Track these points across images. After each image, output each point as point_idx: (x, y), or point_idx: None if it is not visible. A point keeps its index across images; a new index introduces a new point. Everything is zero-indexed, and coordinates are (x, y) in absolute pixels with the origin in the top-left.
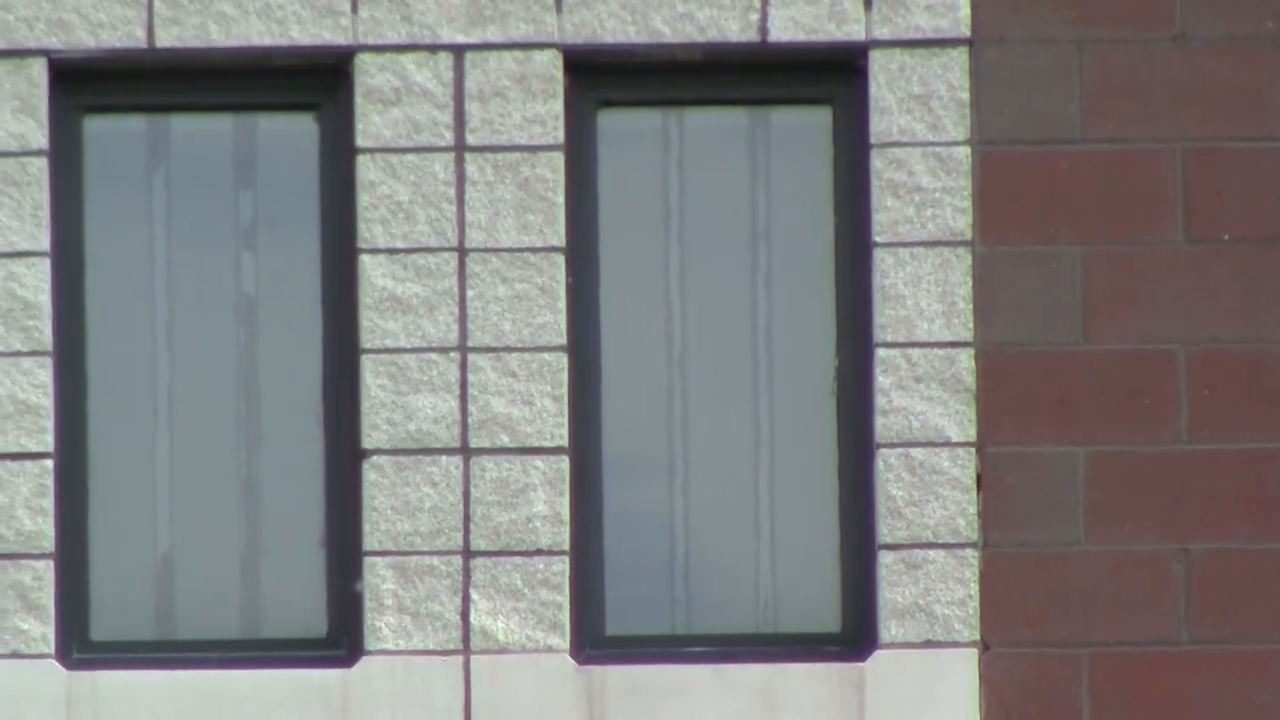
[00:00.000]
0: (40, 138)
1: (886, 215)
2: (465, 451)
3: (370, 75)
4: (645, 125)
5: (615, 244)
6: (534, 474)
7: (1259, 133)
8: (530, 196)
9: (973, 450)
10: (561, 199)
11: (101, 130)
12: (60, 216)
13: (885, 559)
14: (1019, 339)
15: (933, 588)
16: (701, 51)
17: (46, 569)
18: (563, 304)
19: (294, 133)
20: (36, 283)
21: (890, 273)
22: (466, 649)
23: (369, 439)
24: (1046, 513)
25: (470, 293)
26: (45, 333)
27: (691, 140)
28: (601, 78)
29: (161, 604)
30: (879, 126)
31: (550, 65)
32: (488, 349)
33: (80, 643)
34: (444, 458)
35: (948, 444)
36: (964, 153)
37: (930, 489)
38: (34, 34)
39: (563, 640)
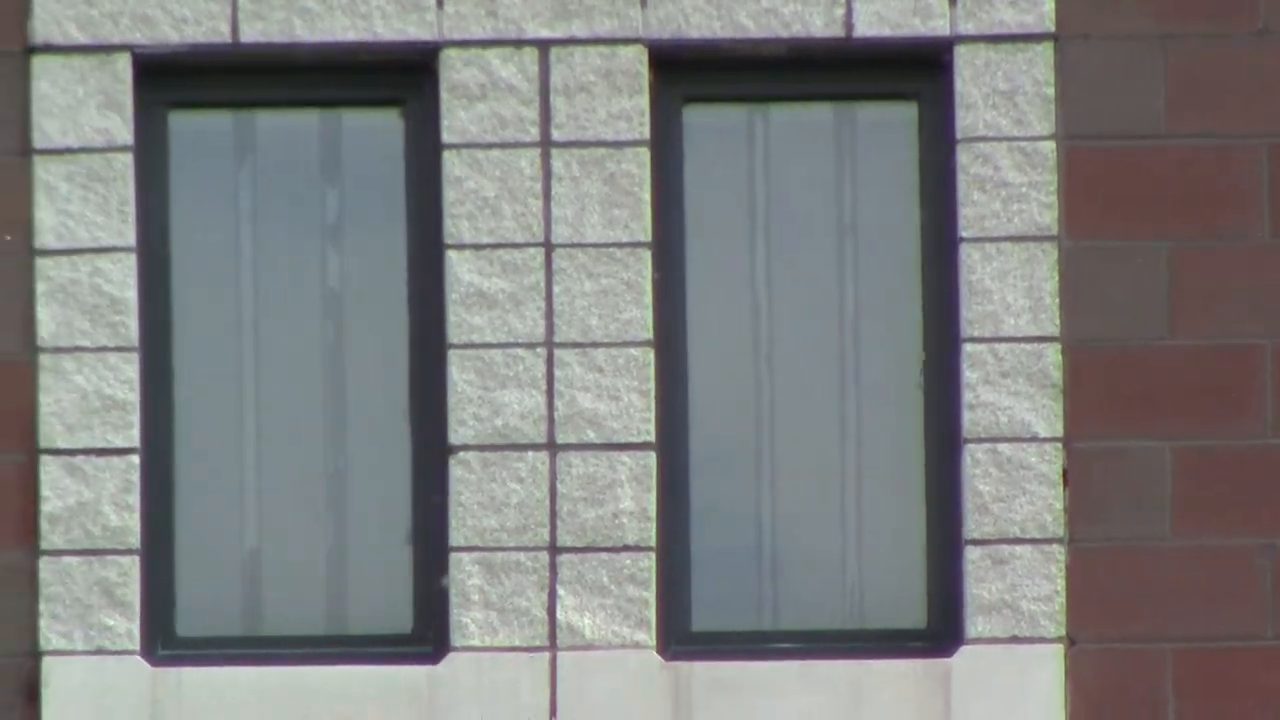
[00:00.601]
0: (125, 133)
1: (973, 210)
2: (552, 447)
3: (456, 71)
4: (730, 121)
5: (701, 239)
6: (621, 470)
7: None
8: (616, 192)
9: (1059, 445)
10: (647, 194)
11: (186, 126)
12: (145, 212)
13: (972, 554)
14: (1105, 334)
15: (1019, 583)
16: (786, 47)
17: (132, 565)
18: (649, 299)
19: (379, 129)
20: (122, 278)
21: (977, 268)
22: (553, 645)
23: (456, 434)
24: (1133, 508)
25: (557, 288)
26: (131, 328)
27: (777, 136)
28: (687, 73)
29: (247, 600)
30: (965, 122)
31: (635, 60)
32: (574, 344)
33: (166, 639)
34: (530, 453)
35: (1034, 439)
36: (1049, 148)
37: (1017, 484)
38: (119, 29)
39: (649, 636)
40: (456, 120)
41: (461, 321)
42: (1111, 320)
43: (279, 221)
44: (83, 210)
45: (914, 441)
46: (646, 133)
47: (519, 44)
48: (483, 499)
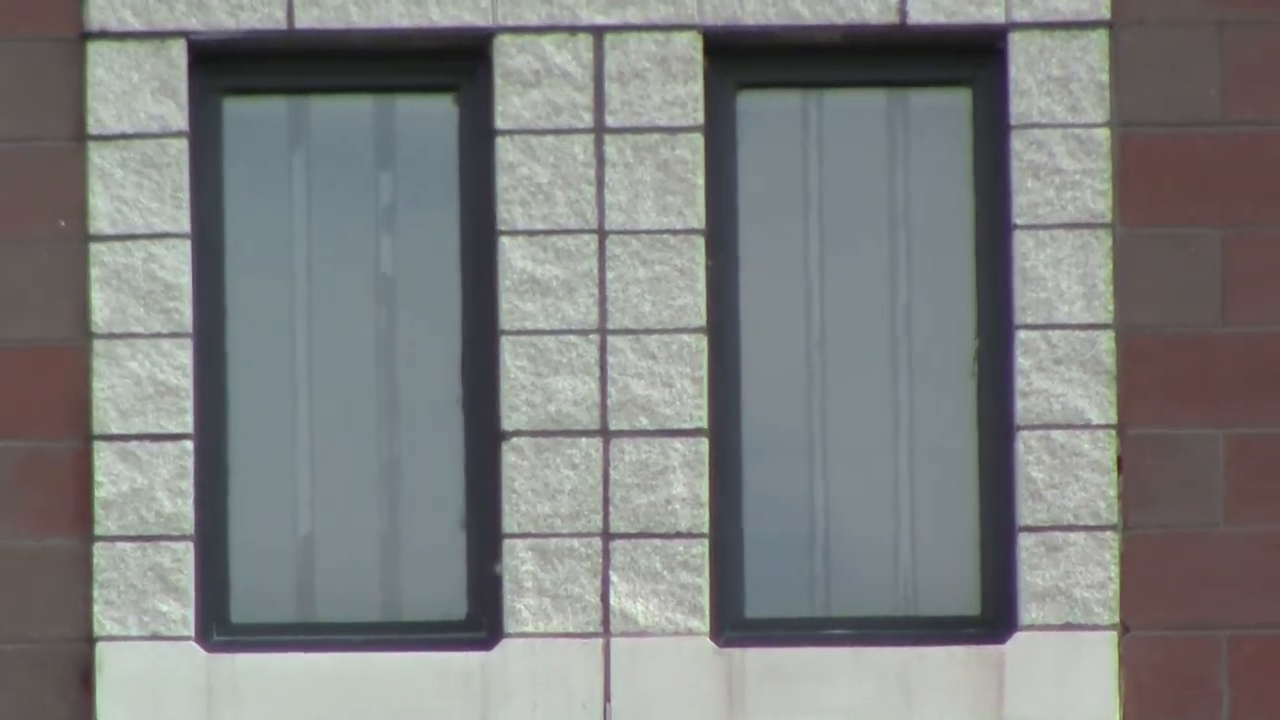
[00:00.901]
0: (180, 119)
1: (1026, 197)
2: (605, 434)
3: (509, 57)
4: (784, 107)
5: (754, 226)
6: (673, 456)
7: None
8: (670, 178)
9: (1113, 432)
10: (701, 181)
11: (241, 112)
12: (200, 198)
13: (1025, 541)
14: (1159, 321)
15: (1072, 570)
16: (841, 33)
17: (186, 551)
18: (702, 286)
19: (433, 114)
20: (177, 264)
21: (1030, 255)
22: (606, 631)
23: (508, 421)
24: (1186, 495)
25: (610, 275)
26: (185, 314)
27: (830, 122)
28: (741, 59)
29: (301, 586)
30: (1019, 108)
31: (690, 47)
32: (627, 331)
33: (220, 625)
34: (583, 440)
35: (1088, 426)
36: (1104, 135)
37: (1070, 471)
38: (173, 15)
39: (702, 623)
40: (510, 106)
41: (514, 308)
42: (1165, 307)
43: (333, 207)
44: (137, 196)
45: (967, 428)
46: (700, 119)
47: (573, 30)
48: (536, 485)
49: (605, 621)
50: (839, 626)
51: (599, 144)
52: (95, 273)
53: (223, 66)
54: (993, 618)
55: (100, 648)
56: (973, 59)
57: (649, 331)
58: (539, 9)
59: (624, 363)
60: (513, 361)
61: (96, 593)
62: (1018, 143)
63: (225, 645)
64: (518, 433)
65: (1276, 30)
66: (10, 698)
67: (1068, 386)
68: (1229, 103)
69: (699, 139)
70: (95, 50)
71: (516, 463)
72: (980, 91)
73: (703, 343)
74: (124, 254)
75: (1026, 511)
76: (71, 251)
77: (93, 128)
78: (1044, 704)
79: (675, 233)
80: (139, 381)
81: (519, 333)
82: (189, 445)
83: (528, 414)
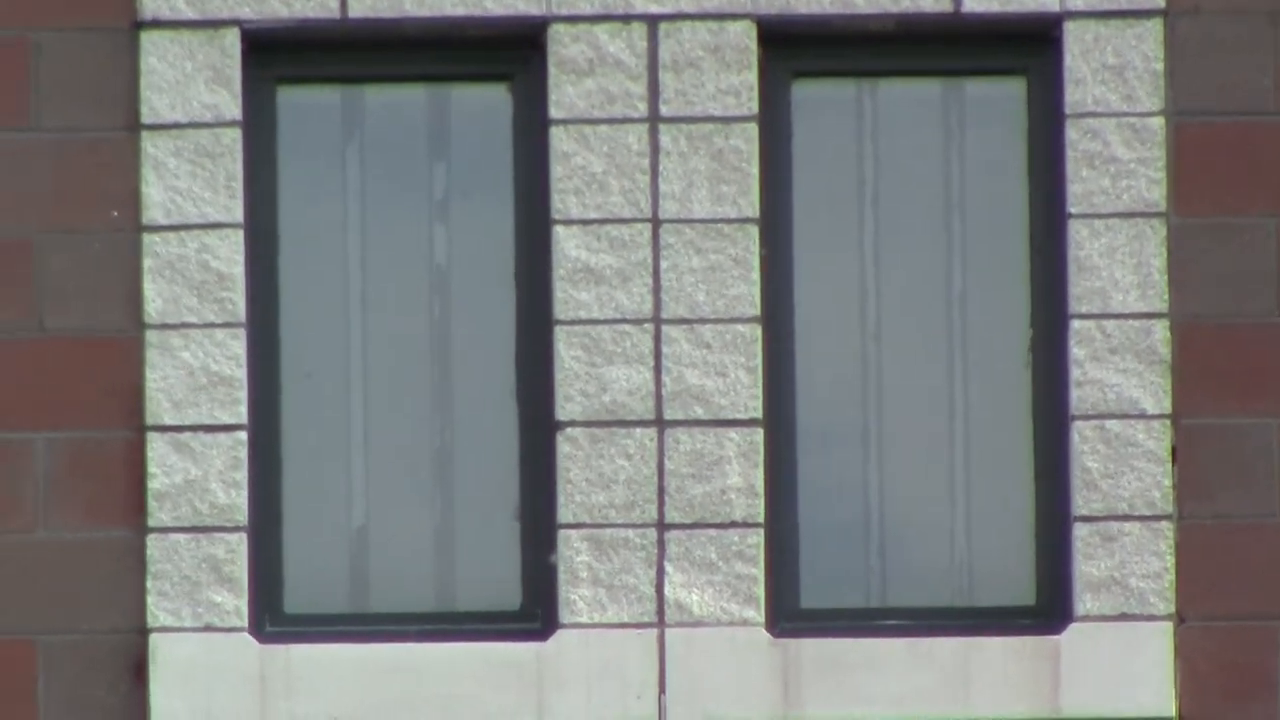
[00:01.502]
0: (234, 109)
1: (1081, 186)
2: (659, 423)
3: (563, 46)
4: (839, 96)
5: (809, 215)
6: (728, 446)
7: None
8: (724, 167)
9: (1168, 422)
10: (755, 170)
11: (294, 101)
12: (253, 188)
13: (1080, 531)
14: (1213, 310)
15: (1128, 560)
16: (895, 22)
17: (240, 542)
18: (757, 275)
19: (487, 104)
20: (230, 254)
21: (1085, 244)
22: (661, 622)
23: (563, 411)
24: (1241, 484)
25: (664, 264)
26: (238, 304)
27: (885, 111)
28: (795, 48)
29: (355, 577)
30: (1073, 97)
31: (744, 35)
32: (681, 320)
33: (273, 616)
34: (638, 430)
35: (1142, 416)
36: (1159, 123)
37: (1125, 461)
38: (227, 4)
39: (757, 613)
40: (564, 95)
41: (568, 298)
42: (1220, 296)
43: (386, 197)
44: (190, 186)
45: (1022, 418)
46: (755, 108)
47: (627, 19)
48: (590, 475)
49: (660, 612)
50: (894, 617)
51: (653, 133)
52: (148, 263)
53: (276, 56)
54: (1048, 608)
55: (154, 639)
56: (1027, 48)
57: (703, 321)
58: None
59: (678, 352)
60: (567, 351)
61: (150, 584)
62: (1072, 132)
63: (279, 636)
64: (572, 423)
65: None
66: (63, 689)
67: (1122, 376)
68: None
69: (753, 128)
70: (148, 39)
71: (571, 453)
72: (1035, 80)
73: (757, 332)
74: (177, 244)
75: (1081, 501)
76: (125, 242)
77: (146, 117)
78: (1100, 694)
79: (730, 222)
80: (192, 372)
81: (573, 322)
82: (242, 436)
83: (582, 404)
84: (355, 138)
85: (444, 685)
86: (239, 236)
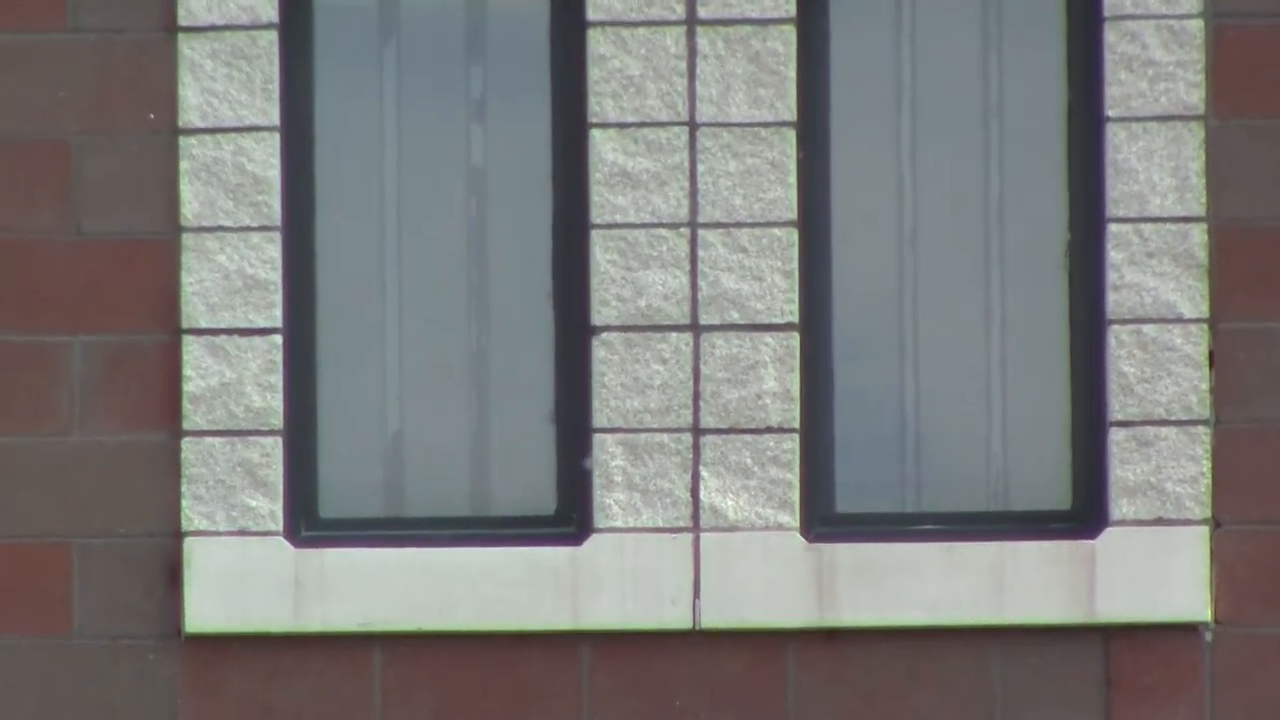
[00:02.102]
0: (270, 11)
1: (1119, 89)
2: (695, 328)
3: None
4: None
5: (846, 119)
6: (764, 351)
7: None
8: (761, 70)
9: (1205, 326)
10: (793, 73)
11: (331, 4)
12: (290, 91)
13: (1116, 436)
14: (1252, 214)
15: (1164, 465)
16: None
17: (275, 446)
18: (793, 179)
19: (525, 6)
20: (266, 157)
21: (1122, 147)
22: (696, 527)
23: (598, 315)
24: (1279, 389)
25: (700, 168)
26: (274, 208)
27: (923, 14)
28: None
29: (390, 481)
30: (1112, 0)
31: None
32: (718, 224)
33: (308, 520)
34: (674, 334)
35: (1179, 320)
36: (1197, 26)
37: (1162, 365)
38: None
39: (792, 518)
40: None
41: (604, 201)
42: (1259, 200)
43: (423, 100)
44: (227, 89)
45: (1058, 323)
46: (793, 11)
47: None
48: (625, 380)
49: (695, 517)
50: (929, 522)
51: (690, 36)
52: (185, 166)
53: None
54: (1084, 513)
55: (188, 543)
56: None
57: (740, 225)
58: None
59: (714, 256)
60: (603, 255)
61: (185, 488)
62: (1111, 35)
63: (313, 540)
64: (608, 327)
65: None
66: (98, 592)
67: (1159, 280)
68: None
69: (791, 31)
70: None
71: (606, 357)
72: None
73: (794, 236)
74: (213, 147)
75: (1118, 406)
76: (161, 144)
77: (183, 19)
78: (1136, 598)
79: (766, 125)
80: (228, 275)
81: (609, 226)
82: (278, 340)
83: (618, 308)
84: (392, 41)
85: (479, 589)
86: (275, 140)
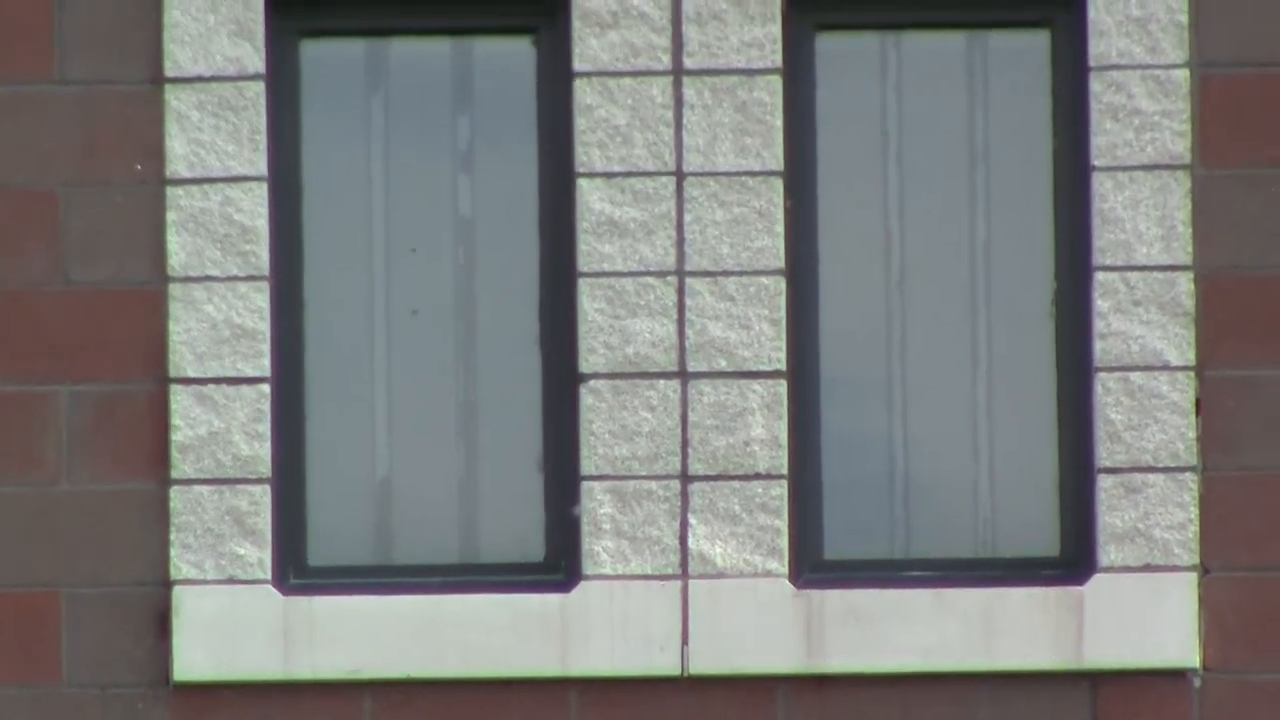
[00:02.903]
0: (257, 62)
1: (1105, 139)
2: (683, 375)
3: None
4: (863, 48)
5: (833, 167)
6: (752, 398)
7: None
8: (748, 120)
9: (1192, 374)
10: (779, 122)
11: (318, 54)
12: (277, 141)
13: (1104, 483)
14: (1238, 262)
15: (1152, 512)
16: None
17: (263, 494)
18: (780, 228)
19: (511, 56)
20: (254, 207)
21: (1109, 196)
22: (684, 573)
23: (586, 363)
24: (1266, 436)
25: (688, 216)
26: (262, 257)
27: (909, 63)
28: (819, 1)
29: (379, 529)
30: (1098, 49)
31: None
32: (705, 273)
33: (297, 568)
34: (661, 382)
35: (1167, 368)
36: (1183, 75)
37: (1149, 413)
38: None
39: (781, 565)
40: (588, 48)
41: (592, 250)
42: (1244, 248)
43: (410, 150)
44: (214, 139)
45: (1045, 370)
46: (779, 61)
47: None
48: (614, 427)
49: (683, 564)
50: (918, 568)
51: (677, 86)
52: (172, 216)
53: (300, 8)
54: (1072, 559)
55: (177, 591)
56: (1052, 0)
57: (727, 273)
58: None
59: (702, 305)
60: (590, 304)
61: (173, 536)
62: (1097, 84)
63: (302, 588)
64: (595, 375)
65: None
66: (87, 641)
67: (1146, 328)
68: None
69: (777, 81)
70: None
71: (594, 405)
72: (1059, 32)
73: (781, 284)
74: (201, 197)
75: (1105, 453)
76: (148, 194)
77: (170, 70)
78: (1124, 645)
79: (753, 174)
80: (215, 325)
81: (597, 275)
82: (266, 388)
83: (605, 356)
84: (379, 91)
85: (468, 636)
86: (263, 190)
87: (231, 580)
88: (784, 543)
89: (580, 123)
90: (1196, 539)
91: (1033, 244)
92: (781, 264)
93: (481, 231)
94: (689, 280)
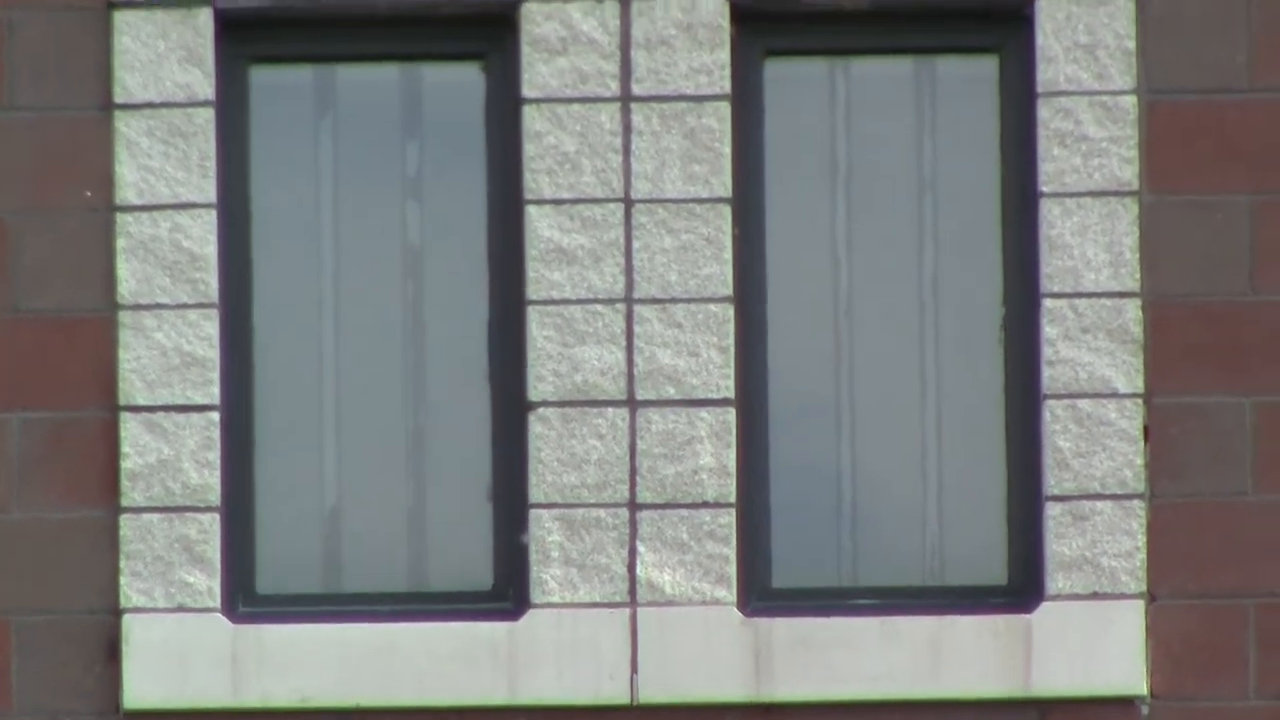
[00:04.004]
0: (206, 88)
1: (1053, 165)
2: (631, 403)
3: (536, 24)
4: (811, 74)
5: (781, 194)
6: (700, 426)
7: None
8: (696, 146)
9: (1140, 401)
10: (728, 149)
11: (267, 80)
12: (226, 168)
13: (1052, 510)
14: (1186, 289)
15: (1099, 539)
16: (868, 0)
17: (212, 522)
18: (729, 255)
19: (460, 83)
20: (203, 234)
21: (1057, 223)
22: (633, 601)
23: (535, 391)
24: (1214, 463)
25: (636, 244)
26: (211, 285)
27: (858, 90)
28: (768, 26)
29: (327, 557)
30: (1046, 76)
31: (717, 14)
32: (654, 300)
33: (246, 596)
34: (610, 409)
35: (1114, 395)
36: (1131, 102)
37: (1097, 440)
38: None
39: (729, 592)
40: (537, 74)
41: (541, 277)
42: (1193, 275)
43: (359, 176)
44: (163, 166)
45: (994, 397)
46: (727, 87)
47: None
48: (562, 455)
49: (632, 591)
50: (866, 596)
51: (625, 112)
52: (121, 243)
53: (249, 35)
54: (1020, 587)
55: (127, 619)
56: (1000, 26)
57: (675, 301)
58: None
59: (650, 332)
60: (539, 331)
61: (123, 564)
62: (1045, 110)
63: (251, 616)
64: (544, 403)
65: None
66: (37, 668)
67: (1094, 355)
68: (1256, 69)
69: (726, 107)
70: (121, 19)
71: (543, 433)
72: (1007, 59)
73: (729, 312)
74: (150, 224)
75: (1053, 480)
76: (98, 221)
77: (119, 97)
78: (1072, 672)
79: (702, 201)
80: (165, 352)
81: (545, 302)
82: (215, 416)
83: (554, 384)
84: (328, 117)
85: (416, 665)
86: (212, 216)
87: (181, 608)
88: (732, 571)
89: (529, 149)
90: (1144, 566)
91: (981, 271)
92: (730, 291)
93: (430, 259)
94: (637, 307)
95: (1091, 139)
